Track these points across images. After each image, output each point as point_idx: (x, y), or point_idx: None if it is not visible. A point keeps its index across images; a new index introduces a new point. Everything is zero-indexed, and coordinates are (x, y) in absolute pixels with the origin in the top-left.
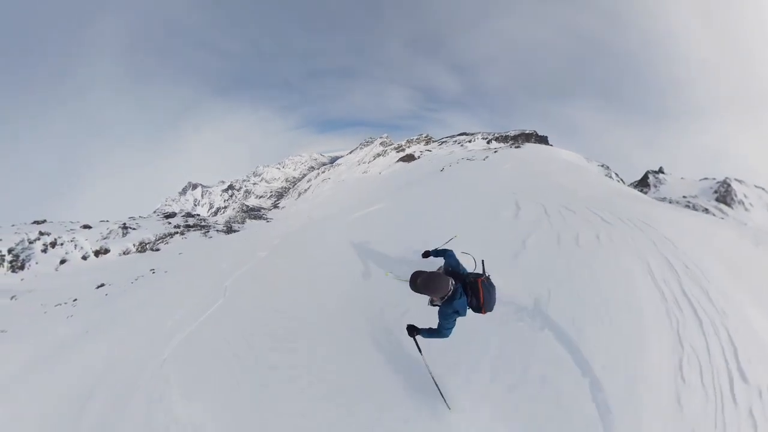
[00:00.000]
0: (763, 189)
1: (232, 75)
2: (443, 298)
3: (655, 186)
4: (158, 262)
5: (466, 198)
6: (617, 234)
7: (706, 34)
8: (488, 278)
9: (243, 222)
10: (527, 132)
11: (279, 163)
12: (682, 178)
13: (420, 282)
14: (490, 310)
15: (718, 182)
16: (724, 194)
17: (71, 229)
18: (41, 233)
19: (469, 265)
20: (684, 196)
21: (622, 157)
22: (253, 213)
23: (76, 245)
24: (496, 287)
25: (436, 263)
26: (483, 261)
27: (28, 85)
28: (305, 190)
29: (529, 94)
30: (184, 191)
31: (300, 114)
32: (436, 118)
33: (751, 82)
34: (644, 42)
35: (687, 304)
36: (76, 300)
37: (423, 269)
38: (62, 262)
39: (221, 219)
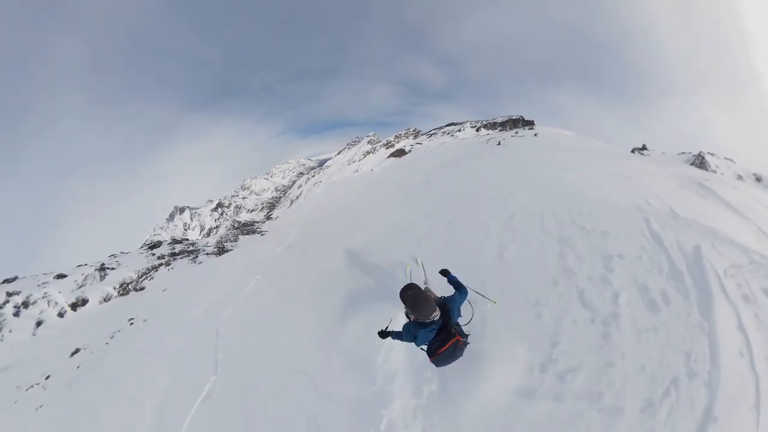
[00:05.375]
0: (731, 160)
1: (209, 86)
2: (417, 320)
3: None
4: (140, 305)
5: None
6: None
7: (681, 23)
8: (466, 342)
9: (236, 239)
10: (514, 117)
11: (266, 174)
12: (663, 153)
13: (409, 296)
14: (438, 365)
15: (693, 155)
16: (699, 165)
17: (44, 283)
18: (9, 294)
19: (465, 316)
20: None
21: (607, 136)
22: (246, 228)
23: (49, 301)
24: (461, 357)
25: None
26: (472, 316)
27: None
28: (297, 197)
29: (514, 81)
30: (171, 217)
31: (282, 120)
32: (423, 112)
33: (721, 67)
34: (623, 30)
35: None
36: (48, 377)
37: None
38: (38, 324)
39: (213, 240)
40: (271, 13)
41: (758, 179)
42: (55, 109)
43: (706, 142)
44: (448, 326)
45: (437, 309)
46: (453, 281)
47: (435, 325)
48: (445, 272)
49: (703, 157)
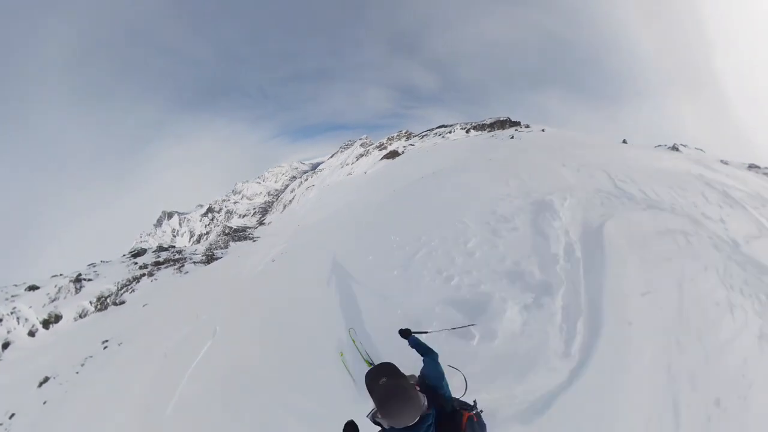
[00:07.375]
0: (702, 150)
1: (201, 86)
2: (391, 427)
3: None
4: (117, 324)
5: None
6: None
7: (646, 31)
8: (479, 415)
9: (226, 246)
10: (502, 119)
11: (259, 177)
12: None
13: (382, 392)
14: None
15: (668, 147)
16: None
17: (13, 296)
18: None
19: (454, 387)
20: None
21: (586, 133)
22: (237, 234)
23: (18, 318)
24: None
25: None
26: (466, 382)
27: None
28: (290, 201)
29: (501, 84)
30: (159, 222)
31: (275, 123)
32: (415, 115)
33: (685, 69)
34: (597, 38)
35: None
36: (12, 416)
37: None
38: (5, 346)
39: (202, 247)
40: (266, 12)
41: (725, 164)
42: (33, 101)
43: (675, 135)
44: (445, 409)
45: (423, 397)
46: (416, 344)
47: (430, 418)
48: (404, 333)
49: (677, 148)
